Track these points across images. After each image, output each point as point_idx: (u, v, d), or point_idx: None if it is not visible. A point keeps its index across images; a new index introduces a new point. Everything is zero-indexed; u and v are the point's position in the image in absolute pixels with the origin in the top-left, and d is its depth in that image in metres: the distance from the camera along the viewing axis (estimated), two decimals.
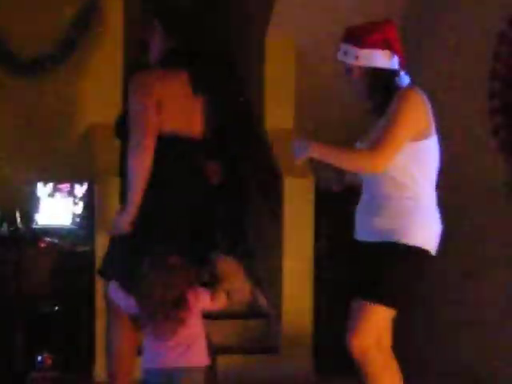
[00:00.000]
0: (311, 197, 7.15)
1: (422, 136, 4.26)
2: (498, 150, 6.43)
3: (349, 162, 4.34)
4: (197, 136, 5.12)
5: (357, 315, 4.35)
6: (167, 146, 4.94)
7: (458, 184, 6.93)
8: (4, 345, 6.64)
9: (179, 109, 5.03)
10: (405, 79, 4.37)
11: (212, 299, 4.47)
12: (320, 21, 7.43)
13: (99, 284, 6.59)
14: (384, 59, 4.29)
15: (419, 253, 4.30)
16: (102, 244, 6.63)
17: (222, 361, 6.65)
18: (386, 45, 4.30)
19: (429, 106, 4.29)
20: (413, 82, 4.56)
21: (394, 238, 4.26)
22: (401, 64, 4.36)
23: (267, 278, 7.56)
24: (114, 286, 4.79)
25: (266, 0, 7.71)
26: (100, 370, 6.72)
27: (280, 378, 6.74)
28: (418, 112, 4.26)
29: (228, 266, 4.77)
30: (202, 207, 5.03)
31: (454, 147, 6.99)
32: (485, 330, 6.71)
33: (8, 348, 6.64)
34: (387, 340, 4.50)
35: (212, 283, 4.64)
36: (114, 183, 6.77)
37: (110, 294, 4.87)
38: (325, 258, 7.38)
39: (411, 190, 4.31)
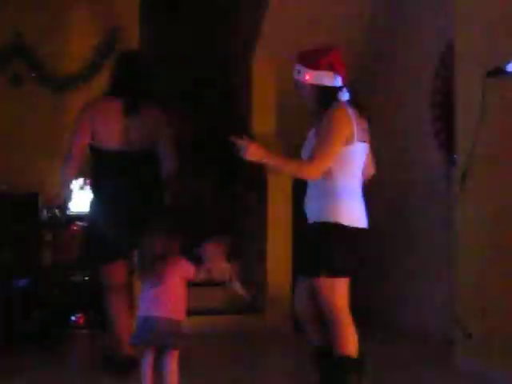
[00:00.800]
0: (289, 191, 7.30)
1: (345, 143, 4.38)
2: (438, 149, 6.69)
3: (290, 171, 4.64)
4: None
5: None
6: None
7: (409, 176, 7.28)
8: (45, 308, 6.73)
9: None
10: (345, 95, 4.45)
11: (194, 272, 4.68)
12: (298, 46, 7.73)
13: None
14: (328, 78, 4.44)
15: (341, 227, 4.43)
16: None
17: (220, 320, 7.11)
18: (329, 67, 4.45)
19: (353, 119, 4.36)
20: (364, 96, 4.87)
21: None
22: (343, 82, 4.46)
23: (256, 257, 7.75)
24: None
25: (253, 31, 7.90)
26: None
27: (265, 333, 6.93)
28: (341, 127, 4.36)
29: (214, 250, 5.14)
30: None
31: (404, 148, 7.41)
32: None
33: (48, 310, 6.74)
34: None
35: (198, 260, 4.92)
36: None
37: None
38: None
39: (335, 184, 4.45)
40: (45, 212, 7.14)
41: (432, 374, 5.68)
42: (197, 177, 8.45)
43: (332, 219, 4.43)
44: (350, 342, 4.46)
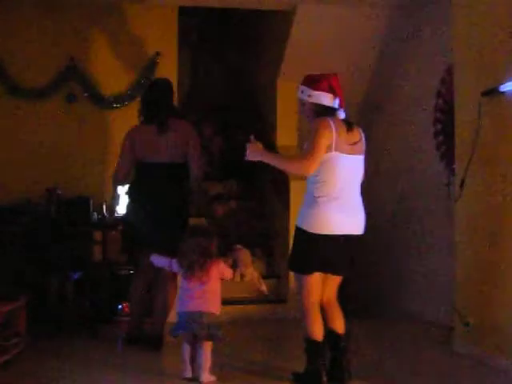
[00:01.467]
0: None
1: (326, 149, 4.45)
2: (440, 159, 6.69)
3: (285, 166, 4.69)
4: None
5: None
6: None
7: (415, 182, 7.30)
8: (96, 298, 6.80)
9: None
10: (342, 114, 4.63)
11: (230, 274, 4.98)
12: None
13: None
14: (327, 99, 4.59)
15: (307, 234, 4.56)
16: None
17: (250, 308, 7.14)
18: (329, 89, 4.59)
19: (333, 130, 4.43)
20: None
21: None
22: (340, 104, 4.61)
23: (280, 254, 7.73)
24: (155, 256, 5.24)
25: (278, 59, 8.00)
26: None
27: (288, 320, 7.00)
28: (324, 132, 4.45)
29: (245, 256, 5.21)
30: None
31: (411, 158, 7.43)
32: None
33: (98, 300, 6.80)
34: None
35: (233, 265, 5.08)
36: None
37: (152, 261, 5.28)
38: None
39: (311, 192, 4.58)
40: (95, 214, 7.16)
41: (432, 356, 5.70)
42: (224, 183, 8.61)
43: (299, 224, 4.66)
44: (315, 326, 4.62)
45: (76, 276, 6.82)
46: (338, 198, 4.54)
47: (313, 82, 4.70)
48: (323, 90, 4.63)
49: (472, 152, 5.45)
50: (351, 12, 7.28)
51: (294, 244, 4.76)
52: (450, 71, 6.20)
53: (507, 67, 5.01)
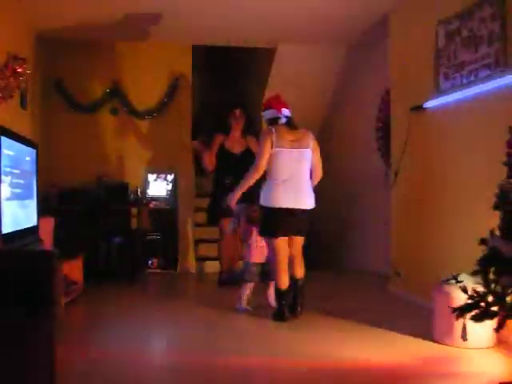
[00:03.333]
0: None
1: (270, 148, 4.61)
2: (380, 157, 6.67)
3: (248, 182, 4.80)
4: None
5: None
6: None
7: (361, 174, 7.32)
8: (131, 255, 6.79)
9: None
10: (282, 120, 4.75)
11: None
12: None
13: (179, 222, 7.22)
14: (270, 114, 4.82)
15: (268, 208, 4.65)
16: (181, 205, 7.33)
17: None
18: (271, 107, 4.81)
19: (273, 133, 4.61)
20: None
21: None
22: (279, 113, 4.74)
23: None
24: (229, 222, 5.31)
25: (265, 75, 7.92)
26: (180, 268, 7.18)
27: None
28: (265, 137, 4.65)
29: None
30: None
31: (358, 157, 7.47)
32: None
33: (134, 257, 6.81)
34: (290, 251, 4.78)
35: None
36: (186, 174, 7.36)
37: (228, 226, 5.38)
38: None
39: (267, 179, 4.71)
40: (132, 196, 7.18)
41: (370, 297, 5.77)
42: None
43: (261, 202, 4.72)
44: (280, 278, 4.66)
45: (118, 241, 6.86)
46: (284, 181, 4.62)
47: (263, 105, 5.00)
48: (267, 109, 4.88)
49: (403, 151, 5.51)
50: (318, 48, 7.26)
51: (260, 217, 4.80)
52: (387, 92, 6.20)
53: (429, 90, 5.05)
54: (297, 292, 4.75)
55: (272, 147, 4.63)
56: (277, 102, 4.83)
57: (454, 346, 3.82)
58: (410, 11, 5.53)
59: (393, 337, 4.16)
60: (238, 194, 4.90)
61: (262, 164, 4.69)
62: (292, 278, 4.76)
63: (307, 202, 4.71)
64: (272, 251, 4.74)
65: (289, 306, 4.69)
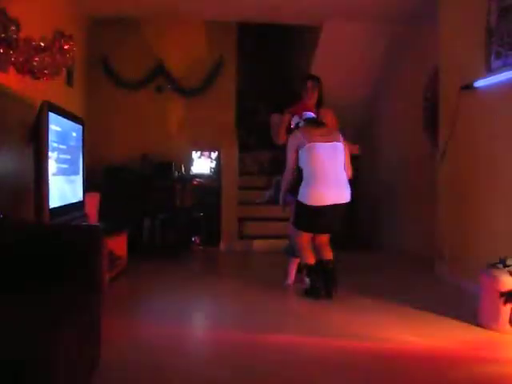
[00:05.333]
0: None
1: (297, 150, 4.69)
2: (428, 137, 6.53)
3: (287, 179, 4.87)
4: None
5: None
6: None
7: (410, 152, 7.26)
8: (176, 232, 6.94)
9: None
10: (301, 123, 4.89)
11: None
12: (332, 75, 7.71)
13: (223, 200, 7.22)
14: (293, 121, 5.01)
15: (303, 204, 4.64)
16: (225, 182, 7.30)
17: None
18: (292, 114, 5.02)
19: (300, 134, 4.71)
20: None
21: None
22: (300, 118, 4.93)
23: None
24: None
25: (309, 58, 7.82)
26: (223, 245, 7.19)
27: None
28: (291, 142, 4.75)
29: None
30: None
31: (407, 136, 7.36)
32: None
33: (178, 234, 6.95)
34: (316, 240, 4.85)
35: None
36: (230, 152, 7.36)
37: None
38: None
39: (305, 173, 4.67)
40: (176, 173, 7.24)
41: (414, 279, 5.65)
42: None
43: (298, 197, 4.70)
44: (305, 255, 4.72)
45: (163, 217, 6.93)
46: (320, 176, 4.60)
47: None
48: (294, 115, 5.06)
49: (451, 131, 5.37)
50: (364, 26, 7.11)
51: (294, 210, 4.81)
52: (436, 71, 6.02)
53: (480, 68, 4.90)
54: (328, 273, 4.72)
55: (300, 146, 4.66)
56: (297, 109, 4.96)
57: (501, 332, 3.73)
58: None
59: (437, 320, 4.08)
60: (284, 194, 4.95)
61: (291, 166, 4.76)
62: (321, 261, 4.76)
63: (344, 195, 4.67)
64: (295, 234, 4.82)
65: (322, 287, 4.69)
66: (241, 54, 8.03)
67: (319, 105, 5.41)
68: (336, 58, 7.39)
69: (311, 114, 4.94)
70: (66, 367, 2.14)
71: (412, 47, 7.14)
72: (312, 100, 5.35)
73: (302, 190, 4.66)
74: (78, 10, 6.51)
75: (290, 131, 5.06)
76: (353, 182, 4.86)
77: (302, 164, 4.70)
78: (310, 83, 5.36)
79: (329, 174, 4.60)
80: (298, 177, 4.77)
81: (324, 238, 4.86)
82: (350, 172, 4.82)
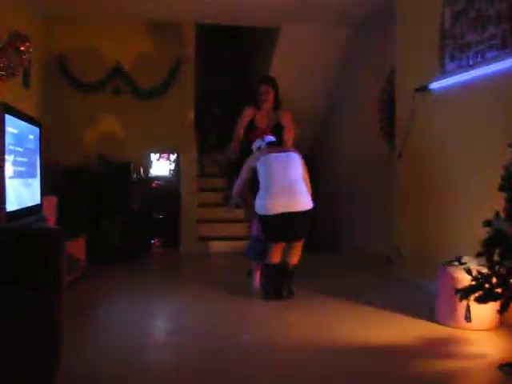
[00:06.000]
0: None
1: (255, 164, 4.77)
2: (384, 138, 6.58)
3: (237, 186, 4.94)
4: None
5: None
6: None
7: (367, 154, 7.32)
8: (136, 235, 6.88)
9: None
10: (267, 139, 4.95)
11: None
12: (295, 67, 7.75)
13: (182, 202, 7.14)
14: (256, 144, 4.99)
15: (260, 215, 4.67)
16: (184, 184, 7.24)
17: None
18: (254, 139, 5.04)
19: (258, 154, 4.79)
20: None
21: None
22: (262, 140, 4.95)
23: None
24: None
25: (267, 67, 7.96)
26: (182, 247, 7.12)
27: None
28: (250, 161, 4.83)
29: None
30: None
31: (364, 136, 7.42)
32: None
33: (137, 236, 6.89)
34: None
35: None
36: (189, 155, 7.33)
37: None
38: None
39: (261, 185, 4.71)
40: (135, 174, 7.19)
41: (373, 277, 5.73)
42: None
43: (256, 210, 4.75)
44: (273, 253, 4.72)
45: (121, 218, 6.86)
46: (276, 186, 4.63)
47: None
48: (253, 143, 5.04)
49: (406, 134, 5.46)
50: (322, 28, 7.19)
51: (260, 224, 4.81)
52: (392, 72, 6.12)
53: (434, 70, 5.01)
54: (285, 275, 4.75)
55: (258, 160, 4.75)
56: (259, 133, 5.06)
57: (457, 328, 3.82)
58: None
59: (394, 317, 4.15)
60: (235, 199, 5.08)
61: (243, 178, 4.85)
62: (284, 263, 4.80)
63: (300, 203, 4.65)
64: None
65: (274, 288, 4.72)
66: (200, 55, 8.00)
67: (276, 107, 5.45)
68: (294, 59, 7.46)
69: (272, 138, 4.98)
70: (28, 367, 2.11)
71: (369, 49, 7.22)
72: (267, 104, 5.39)
73: (257, 201, 4.70)
74: (34, 10, 6.41)
75: (247, 149, 5.11)
76: (313, 194, 4.87)
77: (259, 177, 4.75)
78: (263, 88, 5.41)
79: (281, 183, 4.62)
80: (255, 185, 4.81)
81: (292, 244, 4.85)
82: (309, 189, 4.81)
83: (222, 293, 4.98)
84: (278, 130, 5.39)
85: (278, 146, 4.96)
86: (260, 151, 4.87)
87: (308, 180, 4.88)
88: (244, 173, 4.85)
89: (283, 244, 4.80)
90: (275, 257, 4.77)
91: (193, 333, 3.84)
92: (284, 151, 4.83)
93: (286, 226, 4.63)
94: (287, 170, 4.70)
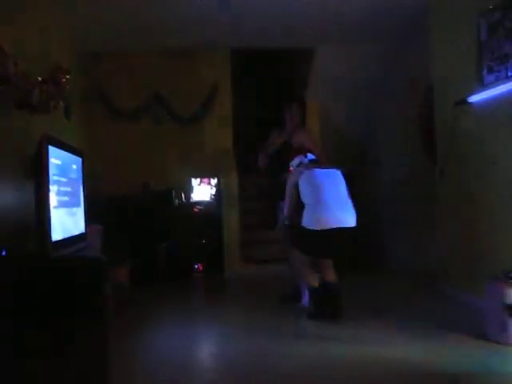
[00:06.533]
0: None
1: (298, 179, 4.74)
2: (426, 155, 6.54)
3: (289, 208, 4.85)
4: None
5: None
6: None
7: (409, 172, 7.32)
8: (179, 260, 6.95)
9: None
10: (309, 157, 4.96)
11: None
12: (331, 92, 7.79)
13: (224, 226, 7.19)
14: (296, 160, 4.99)
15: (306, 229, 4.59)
16: (226, 208, 7.30)
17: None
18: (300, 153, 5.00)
19: (302, 170, 4.78)
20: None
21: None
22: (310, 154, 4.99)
23: None
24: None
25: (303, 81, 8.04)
26: (227, 271, 7.13)
27: None
28: (293, 176, 4.81)
29: None
30: None
31: (400, 154, 7.38)
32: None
33: (180, 262, 6.95)
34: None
35: None
36: (230, 178, 7.37)
37: None
38: None
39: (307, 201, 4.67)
40: (176, 201, 7.26)
41: (420, 295, 5.64)
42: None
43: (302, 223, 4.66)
44: (309, 276, 4.72)
45: (165, 244, 6.91)
46: (322, 201, 4.62)
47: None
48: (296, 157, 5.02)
49: (448, 149, 5.40)
50: (357, 47, 7.19)
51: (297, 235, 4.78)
52: (430, 88, 6.05)
53: (473, 84, 4.95)
54: (334, 295, 4.69)
55: (302, 174, 4.74)
56: (301, 149, 5.01)
57: (508, 345, 3.71)
58: (450, 4, 5.41)
59: (444, 336, 4.07)
60: (288, 216, 4.92)
61: (289, 194, 4.81)
62: (326, 283, 4.73)
63: (349, 219, 4.63)
64: (296, 261, 4.80)
65: (329, 310, 4.66)
66: (236, 80, 8.06)
67: (301, 126, 5.56)
68: (329, 80, 7.45)
69: (313, 156, 5.00)
70: None
71: (404, 66, 7.19)
72: (291, 123, 5.50)
73: (305, 214, 4.63)
74: (75, 43, 6.58)
75: (284, 166, 5.13)
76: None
77: (303, 191, 4.71)
78: (287, 106, 5.56)
79: (331, 198, 4.60)
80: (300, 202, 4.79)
81: (328, 264, 4.81)
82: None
83: (270, 317, 4.96)
84: (285, 148, 5.47)
85: (319, 164, 4.95)
86: (303, 166, 4.85)
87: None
88: (290, 191, 4.80)
89: (308, 263, 4.77)
90: (313, 279, 4.74)
91: (236, 361, 3.82)
92: (329, 168, 4.82)
93: (331, 241, 4.58)
94: (338, 186, 4.71)
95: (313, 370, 3.49)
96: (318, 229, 4.52)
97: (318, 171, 4.71)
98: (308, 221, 4.59)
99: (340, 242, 4.62)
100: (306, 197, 4.68)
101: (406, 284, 6.29)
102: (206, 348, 4.35)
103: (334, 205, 4.59)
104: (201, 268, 7.18)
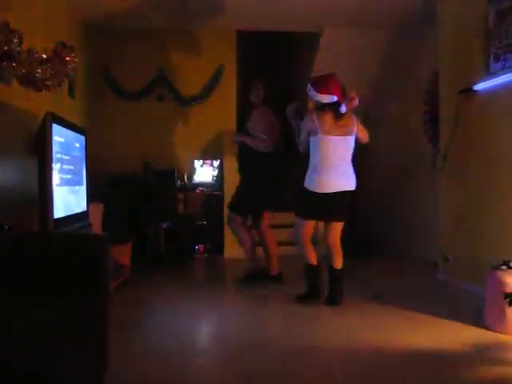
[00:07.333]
0: None
1: (309, 134, 4.60)
2: (428, 140, 6.55)
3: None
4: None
5: None
6: None
7: (410, 157, 7.30)
8: (180, 241, 6.97)
9: None
10: (343, 108, 4.48)
11: None
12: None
13: (225, 208, 7.07)
14: (325, 99, 4.50)
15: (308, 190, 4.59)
16: (227, 191, 7.15)
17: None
18: (327, 91, 4.48)
19: (315, 120, 4.49)
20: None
21: None
22: (338, 99, 4.49)
23: None
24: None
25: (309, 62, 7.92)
26: (227, 253, 7.15)
27: None
28: (307, 123, 4.58)
29: None
30: None
31: (406, 140, 7.37)
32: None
33: (181, 242, 6.96)
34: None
35: None
36: (232, 160, 7.34)
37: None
38: None
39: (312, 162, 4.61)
40: (179, 181, 7.24)
41: (420, 282, 5.64)
42: None
43: (304, 184, 4.63)
44: (308, 253, 4.69)
45: (166, 225, 6.91)
46: (324, 166, 4.54)
47: (316, 83, 4.60)
48: (322, 93, 4.53)
49: (451, 136, 5.38)
50: (363, 32, 7.13)
51: (299, 197, 4.75)
52: (435, 75, 6.03)
53: (478, 72, 4.91)
54: (335, 281, 4.69)
55: (315, 133, 4.56)
56: (336, 86, 4.56)
57: (506, 333, 3.72)
58: None
59: (443, 323, 4.08)
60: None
61: (301, 146, 4.75)
62: (330, 268, 4.72)
63: (349, 183, 4.62)
64: (299, 231, 4.73)
65: (317, 292, 4.72)
66: (241, 61, 8.01)
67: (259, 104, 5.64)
68: (335, 62, 7.38)
69: (335, 98, 4.58)
70: (80, 365, 2.22)
71: (411, 52, 7.16)
72: (257, 98, 5.62)
73: (308, 176, 4.63)
74: (80, 20, 6.54)
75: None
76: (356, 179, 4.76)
77: (311, 149, 4.63)
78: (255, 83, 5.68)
79: (336, 165, 4.54)
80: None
81: (336, 235, 4.72)
82: (366, 136, 4.78)
83: (265, 298, 4.98)
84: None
85: (338, 114, 4.67)
86: (317, 116, 4.57)
87: (366, 136, 4.85)
88: (304, 135, 4.71)
89: (311, 236, 4.75)
90: (313, 256, 4.73)
91: (238, 337, 3.83)
92: (342, 127, 4.62)
93: (330, 203, 4.58)
94: (343, 154, 4.62)
95: (313, 351, 3.50)
96: (319, 191, 4.54)
97: (330, 138, 4.54)
98: (310, 183, 4.60)
99: (338, 205, 4.61)
100: (313, 155, 4.63)
101: (405, 270, 6.30)
102: (205, 328, 4.35)
103: (337, 170, 4.55)
104: (202, 249, 7.19)
